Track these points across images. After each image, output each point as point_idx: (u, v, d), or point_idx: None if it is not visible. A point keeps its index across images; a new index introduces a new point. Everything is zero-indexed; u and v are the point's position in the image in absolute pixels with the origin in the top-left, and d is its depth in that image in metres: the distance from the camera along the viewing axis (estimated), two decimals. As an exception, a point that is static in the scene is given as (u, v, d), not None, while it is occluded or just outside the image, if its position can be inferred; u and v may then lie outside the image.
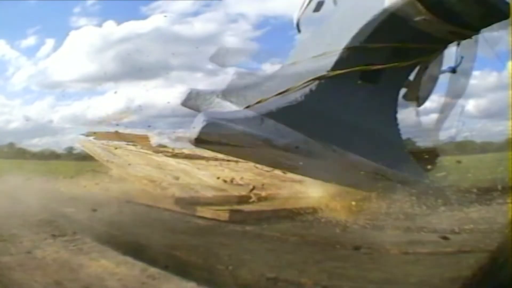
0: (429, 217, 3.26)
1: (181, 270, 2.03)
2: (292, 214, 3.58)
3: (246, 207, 3.82)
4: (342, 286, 1.88)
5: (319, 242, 2.59)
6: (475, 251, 2.21)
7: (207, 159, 6.16)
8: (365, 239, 2.50)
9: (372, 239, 2.53)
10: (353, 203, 3.77)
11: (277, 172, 5.64)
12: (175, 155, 6.33)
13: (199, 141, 3.70)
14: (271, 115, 3.98)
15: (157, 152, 6.38)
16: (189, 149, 6.53)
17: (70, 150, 9.35)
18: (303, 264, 2.11)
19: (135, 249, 2.40)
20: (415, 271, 2.01)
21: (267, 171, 5.60)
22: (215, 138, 3.70)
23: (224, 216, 3.45)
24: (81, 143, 6.41)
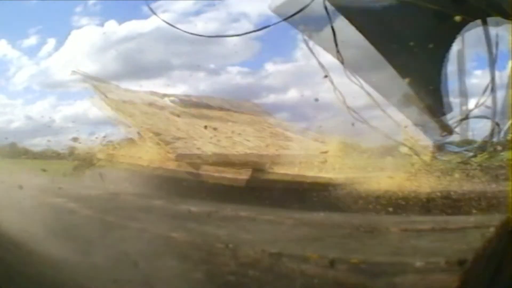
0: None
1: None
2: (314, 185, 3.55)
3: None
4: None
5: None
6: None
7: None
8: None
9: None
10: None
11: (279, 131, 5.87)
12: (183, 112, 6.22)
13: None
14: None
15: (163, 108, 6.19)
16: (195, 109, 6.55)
17: (72, 150, 9.29)
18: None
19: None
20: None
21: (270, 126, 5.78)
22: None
23: (246, 175, 3.42)
24: (92, 102, 6.09)
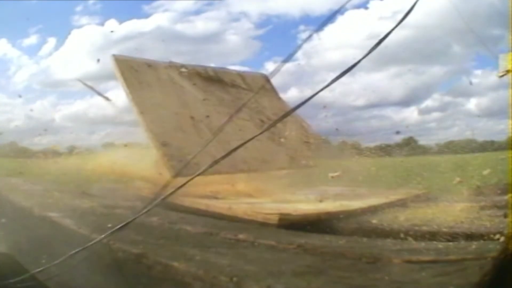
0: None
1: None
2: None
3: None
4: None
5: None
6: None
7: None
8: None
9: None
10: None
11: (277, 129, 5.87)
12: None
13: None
14: None
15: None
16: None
17: (71, 149, 9.30)
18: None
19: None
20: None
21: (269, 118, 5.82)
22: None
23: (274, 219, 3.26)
24: (115, 59, 5.72)
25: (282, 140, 6.17)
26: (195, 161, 4.78)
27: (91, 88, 5.40)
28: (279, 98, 7.27)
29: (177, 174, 4.36)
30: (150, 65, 6.02)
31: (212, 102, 6.16)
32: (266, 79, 7.52)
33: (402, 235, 2.87)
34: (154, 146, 4.84)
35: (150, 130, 4.97)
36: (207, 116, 5.69)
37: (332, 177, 4.85)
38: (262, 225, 3.25)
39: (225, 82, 6.86)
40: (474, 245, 2.50)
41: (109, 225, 3.21)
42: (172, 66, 6.42)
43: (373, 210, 3.81)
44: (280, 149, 6.01)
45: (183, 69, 6.44)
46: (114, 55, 5.78)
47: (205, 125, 5.55)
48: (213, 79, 6.72)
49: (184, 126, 5.34)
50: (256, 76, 7.54)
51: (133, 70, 5.65)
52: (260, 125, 6.26)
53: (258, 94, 7.02)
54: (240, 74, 7.27)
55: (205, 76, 6.65)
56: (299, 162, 5.90)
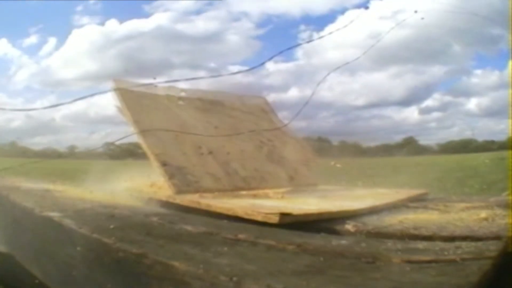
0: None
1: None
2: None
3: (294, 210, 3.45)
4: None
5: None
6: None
7: None
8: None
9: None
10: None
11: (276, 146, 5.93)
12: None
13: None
14: None
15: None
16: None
17: (72, 148, 9.35)
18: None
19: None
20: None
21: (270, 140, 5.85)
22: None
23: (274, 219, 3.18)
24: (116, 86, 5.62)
25: (281, 160, 6.24)
26: (195, 179, 4.94)
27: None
28: (278, 120, 7.32)
29: (178, 191, 4.56)
30: (148, 89, 5.99)
31: (213, 125, 6.19)
32: (265, 101, 7.61)
33: (401, 235, 2.87)
34: (155, 166, 4.96)
35: (151, 151, 5.06)
36: (210, 140, 5.76)
37: (334, 163, 4.94)
38: (262, 225, 3.25)
39: (225, 106, 6.96)
40: (473, 245, 2.50)
41: (111, 226, 3.25)
42: (170, 89, 6.40)
43: (374, 210, 3.80)
44: (280, 169, 6.08)
45: (182, 94, 6.45)
46: (113, 80, 5.72)
47: (206, 147, 5.63)
48: (212, 102, 6.76)
49: (184, 148, 5.43)
50: (255, 98, 7.64)
51: (133, 95, 5.63)
52: (259, 146, 6.32)
53: (258, 117, 7.10)
54: (239, 97, 7.33)
55: (205, 100, 6.68)
56: (299, 181, 5.96)
